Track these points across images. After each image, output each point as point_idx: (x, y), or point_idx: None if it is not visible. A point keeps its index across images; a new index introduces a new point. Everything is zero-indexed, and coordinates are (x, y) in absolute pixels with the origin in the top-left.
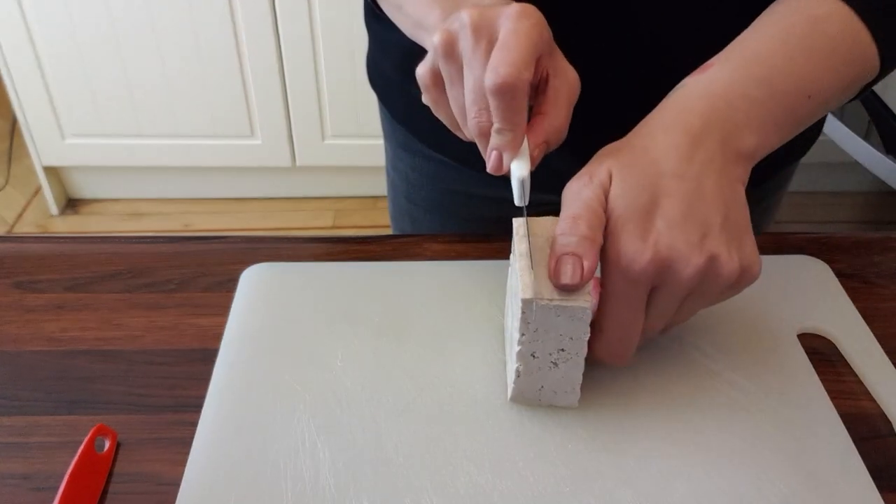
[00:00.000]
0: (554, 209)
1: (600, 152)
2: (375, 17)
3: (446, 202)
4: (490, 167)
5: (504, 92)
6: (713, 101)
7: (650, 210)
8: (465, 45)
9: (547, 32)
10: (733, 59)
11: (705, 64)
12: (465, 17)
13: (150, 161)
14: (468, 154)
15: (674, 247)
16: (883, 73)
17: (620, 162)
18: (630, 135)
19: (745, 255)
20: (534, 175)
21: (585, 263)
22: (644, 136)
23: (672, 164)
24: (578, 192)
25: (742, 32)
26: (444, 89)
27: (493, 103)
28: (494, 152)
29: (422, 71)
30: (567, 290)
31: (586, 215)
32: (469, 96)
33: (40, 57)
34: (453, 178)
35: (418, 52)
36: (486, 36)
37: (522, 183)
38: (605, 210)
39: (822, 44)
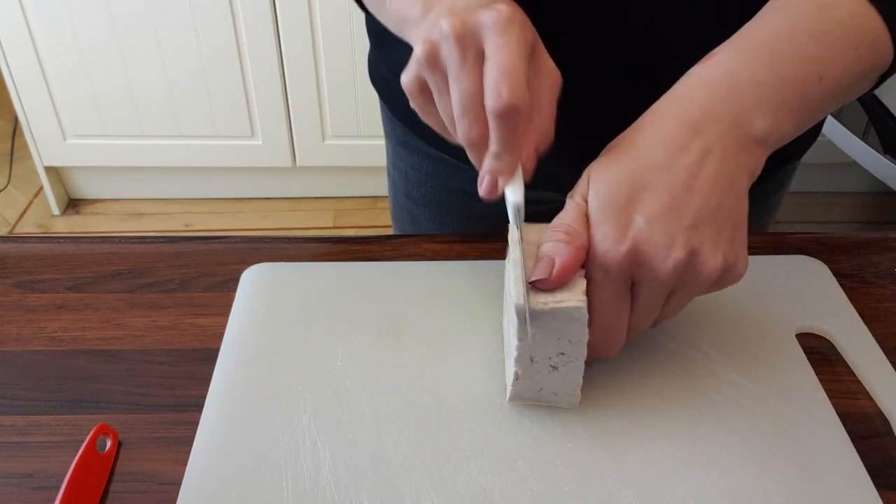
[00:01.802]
0: (549, 206)
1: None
2: (374, 16)
3: (446, 200)
4: (484, 192)
5: (509, 115)
6: (715, 87)
7: (628, 205)
8: (450, 57)
9: (531, 33)
10: (739, 46)
11: (711, 53)
12: (445, 27)
13: (151, 161)
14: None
15: (651, 241)
16: None
17: (599, 162)
18: (628, 129)
19: (733, 251)
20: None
21: (557, 260)
22: (637, 129)
23: (659, 155)
24: (565, 206)
25: (748, 22)
26: (431, 97)
27: (495, 126)
28: (489, 176)
29: (406, 80)
30: (539, 286)
31: (565, 222)
32: (457, 108)
33: (42, 58)
34: (453, 175)
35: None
36: (471, 46)
37: (518, 208)
38: (587, 213)
39: (830, 28)
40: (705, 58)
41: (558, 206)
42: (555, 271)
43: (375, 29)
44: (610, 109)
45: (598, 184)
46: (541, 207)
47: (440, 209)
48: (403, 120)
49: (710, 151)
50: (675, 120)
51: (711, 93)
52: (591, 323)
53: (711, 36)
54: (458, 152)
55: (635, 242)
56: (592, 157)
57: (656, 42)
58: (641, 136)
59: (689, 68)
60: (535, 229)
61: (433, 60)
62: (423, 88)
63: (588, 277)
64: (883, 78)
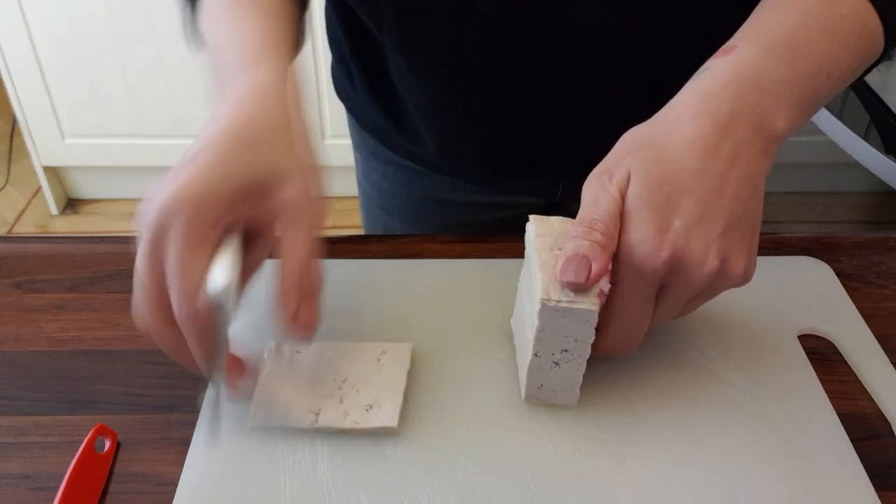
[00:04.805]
0: (538, 208)
1: (623, 141)
2: (337, 27)
3: (420, 209)
4: None
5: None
6: (742, 85)
7: (667, 208)
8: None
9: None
10: (756, 40)
11: (727, 46)
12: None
13: (151, 161)
14: (438, 159)
15: (689, 248)
16: (885, 53)
17: (639, 158)
18: (656, 120)
19: (751, 256)
20: (520, 175)
21: (594, 266)
22: (670, 125)
23: (694, 157)
24: (597, 195)
25: (757, 12)
26: None
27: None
28: None
29: None
30: (571, 287)
31: (602, 220)
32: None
33: (40, 57)
34: (425, 184)
35: (381, 61)
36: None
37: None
38: (622, 210)
39: (837, 24)
40: (722, 50)
41: (544, 209)
42: (592, 276)
43: (337, 43)
44: (587, 124)
45: (637, 182)
46: (517, 211)
47: (415, 219)
48: (371, 131)
49: (738, 155)
50: (709, 118)
51: (739, 91)
52: (614, 322)
53: (693, 51)
54: (428, 160)
55: (674, 249)
56: (571, 170)
57: (634, 58)
58: (677, 134)
59: (668, 81)
60: (552, 223)
61: None
62: None
63: (616, 279)
64: (871, 67)
